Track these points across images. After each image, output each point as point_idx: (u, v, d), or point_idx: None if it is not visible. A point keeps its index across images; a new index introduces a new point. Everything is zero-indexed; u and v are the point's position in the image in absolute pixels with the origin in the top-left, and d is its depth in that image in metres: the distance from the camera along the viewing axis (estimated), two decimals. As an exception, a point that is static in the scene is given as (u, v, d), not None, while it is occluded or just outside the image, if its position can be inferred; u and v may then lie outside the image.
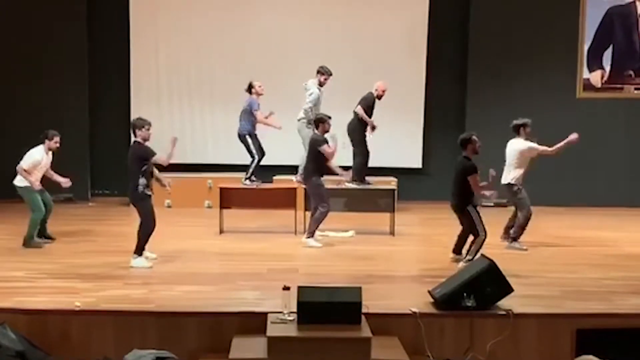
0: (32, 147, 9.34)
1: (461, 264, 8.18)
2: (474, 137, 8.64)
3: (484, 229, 8.46)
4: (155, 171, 8.75)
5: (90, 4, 12.89)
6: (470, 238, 8.57)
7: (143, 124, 8.36)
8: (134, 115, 13.15)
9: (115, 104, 13.22)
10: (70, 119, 12.75)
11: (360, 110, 10.86)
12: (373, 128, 10.91)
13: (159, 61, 13.23)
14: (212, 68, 13.19)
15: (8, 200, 12.03)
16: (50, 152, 9.54)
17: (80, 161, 12.92)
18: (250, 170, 10.88)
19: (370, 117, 10.93)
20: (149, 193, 8.33)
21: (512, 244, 9.52)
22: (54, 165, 9.69)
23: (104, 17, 13.09)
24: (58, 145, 9.46)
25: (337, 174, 9.94)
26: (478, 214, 8.53)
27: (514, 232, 9.62)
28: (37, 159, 9.36)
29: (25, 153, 9.47)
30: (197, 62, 13.23)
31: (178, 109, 13.25)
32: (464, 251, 8.64)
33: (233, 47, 13.07)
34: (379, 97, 11.01)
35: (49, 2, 12.70)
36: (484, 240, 8.41)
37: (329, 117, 9.74)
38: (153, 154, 8.26)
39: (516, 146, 9.71)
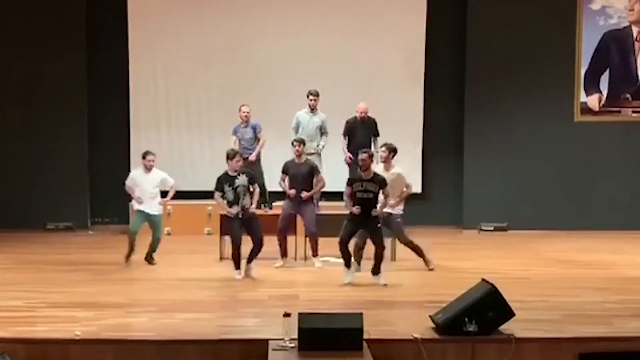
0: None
1: None
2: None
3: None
4: None
5: (89, 32, 12.93)
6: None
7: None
8: (133, 143, 13.29)
9: (114, 131, 13.21)
10: (69, 147, 12.77)
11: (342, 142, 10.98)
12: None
13: (157, 88, 13.24)
14: (211, 94, 13.20)
15: (8, 230, 12.06)
16: (153, 172, 10.05)
17: (79, 189, 12.91)
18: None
19: (351, 138, 10.99)
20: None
21: None
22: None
23: (103, 45, 13.11)
24: (151, 163, 9.99)
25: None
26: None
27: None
28: (131, 177, 10.20)
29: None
30: (196, 89, 13.25)
31: (177, 135, 13.26)
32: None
33: (232, 74, 13.08)
34: (360, 119, 11.01)
35: (47, 31, 12.71)
36: None
37: (297, 141, 10.03)
38: None
39: None
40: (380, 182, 8.95)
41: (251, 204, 9.18)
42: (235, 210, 9.06)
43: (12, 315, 7.37)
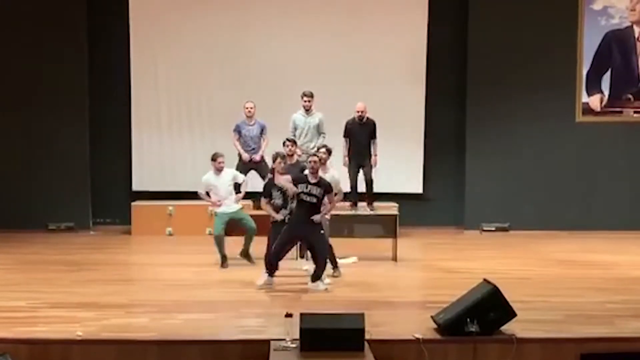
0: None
1: None
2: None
3: None
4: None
5: (90, 32, 12.94)
6: None
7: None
8: (134, 142, 13.28)
9: (115, 130, 13.20)
10: (70, 147, 12.76)
11: (343, 144, 10.89)
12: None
13: (158, 88, 13.24)
14: (212, 94, 13.19)
15: (10, 230, 12.06)
16: (225, 173, 10.03)
17: (80, 189, 12.91)
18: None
19: (351, 140, 10.85)
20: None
21: None
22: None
23: (104, 45, 13.13)
24: (222, 164, 9.95)
25: None
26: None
27: None
28: (204, 181, 10.09)
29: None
30: (197, 88, 13.23)
31: (178, 135, 13.24)
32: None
33: (233, 73, 13.07)
34: (358, 118, 10.97)
35: (47, 31, 12.70)
36: None
37: (289, 141, 9.85)
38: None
39: None
40: (326, 187, 8.60)
41: None
42: (280, 215, 8.98)
43: (13, 316, 7.38)
